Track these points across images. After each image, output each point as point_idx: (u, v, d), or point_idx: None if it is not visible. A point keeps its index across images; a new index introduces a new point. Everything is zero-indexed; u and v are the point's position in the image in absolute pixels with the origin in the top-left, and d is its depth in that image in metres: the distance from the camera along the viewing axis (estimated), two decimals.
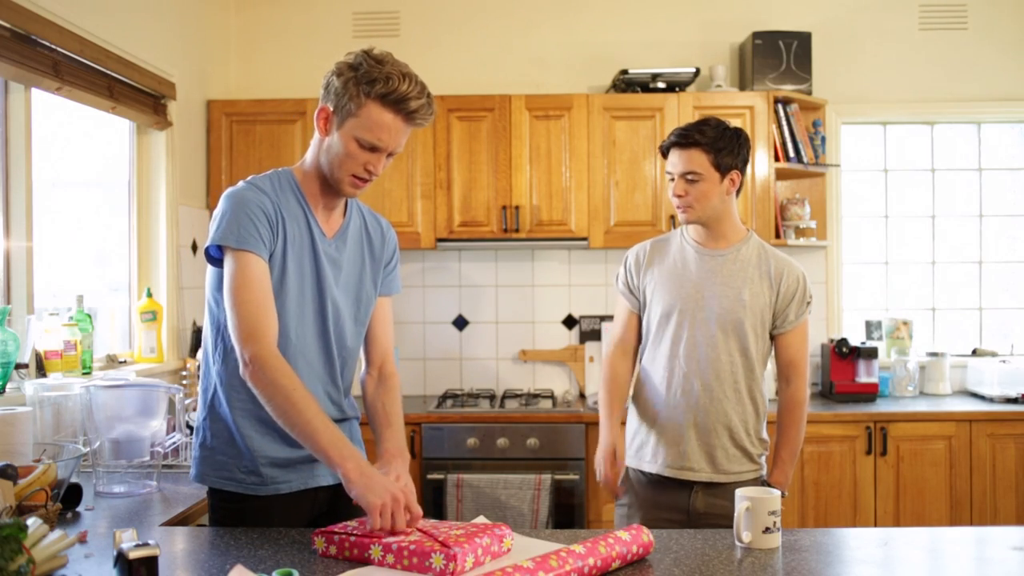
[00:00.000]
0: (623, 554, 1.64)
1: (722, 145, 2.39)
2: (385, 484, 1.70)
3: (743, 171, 2.45)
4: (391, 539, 1.64)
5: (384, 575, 1.59)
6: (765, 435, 2.49)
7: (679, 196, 2.43)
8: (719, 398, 2.41)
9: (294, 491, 1.98)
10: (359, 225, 2.08)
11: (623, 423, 2.61)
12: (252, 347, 1.80)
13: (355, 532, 1.68)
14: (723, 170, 2.40)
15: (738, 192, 2.48)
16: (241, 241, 1.84)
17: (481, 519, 1.81)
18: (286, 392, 1.78)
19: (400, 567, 1.61)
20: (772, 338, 2.48)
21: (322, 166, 1.94)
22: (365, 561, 1.65)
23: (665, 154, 2.47)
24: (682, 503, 2.43)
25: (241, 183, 1.95)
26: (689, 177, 2.41)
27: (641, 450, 2.51)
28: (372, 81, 1.83)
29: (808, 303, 2.46)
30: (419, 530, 1.68)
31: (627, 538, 1.67)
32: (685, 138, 2.41)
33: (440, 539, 1.61)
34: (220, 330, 1.95)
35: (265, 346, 1.81)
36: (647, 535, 1.71)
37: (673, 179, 2.45)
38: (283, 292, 1.93)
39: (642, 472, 2.50)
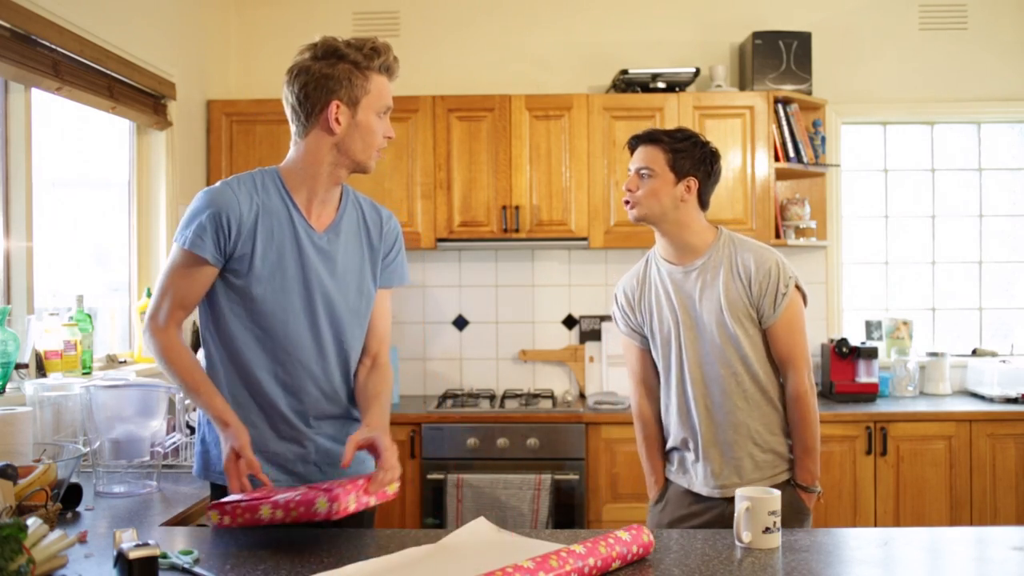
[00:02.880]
0: (623, 554, 1.64)
1: (682, 148, 2.37)
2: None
3: (703, 183, 2.38)
4: (279, 496, 1.74)
5: (365, 567, 1.60)
6: None
7: (629, 191, 2.40)
8: (731, 411, 2.36)
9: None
10: (355, 217, 2.08)
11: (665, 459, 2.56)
12: (154, 325, 1.97)
13: (244, 499, 1.78)
14: (679, 172, 2.36)
15: (703, 205, 2.41)
16: (185, 240, 1.93)
17: (482, 520, 1.81)
18: (176, 366, 1.95)
19: (290, 520, 1.72)
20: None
21: (336, 160, 1.98)
22: (257, 523, 1.75)
23: (632, 152, 2.46)
24: (726, 512, 2.32)
25: (220, 181, 2.00)
26: (643, 172, 2.38)
27: (681, 466, 2.47)
28: (373, 56, 1.97)
29: (784, 294, 2.33)
30: (306, 487, 1.81)
31: (627, 538, 1.67)
32: (648, 135, 2.42)
33: (323, 488, 1.74)
34: (215, 332, 2.00)
35: (164, 328, 1.96)
36: (647, 535, 1.71)
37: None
38: (256, 289, 1.95)
39: (679, 484, 2.48)
